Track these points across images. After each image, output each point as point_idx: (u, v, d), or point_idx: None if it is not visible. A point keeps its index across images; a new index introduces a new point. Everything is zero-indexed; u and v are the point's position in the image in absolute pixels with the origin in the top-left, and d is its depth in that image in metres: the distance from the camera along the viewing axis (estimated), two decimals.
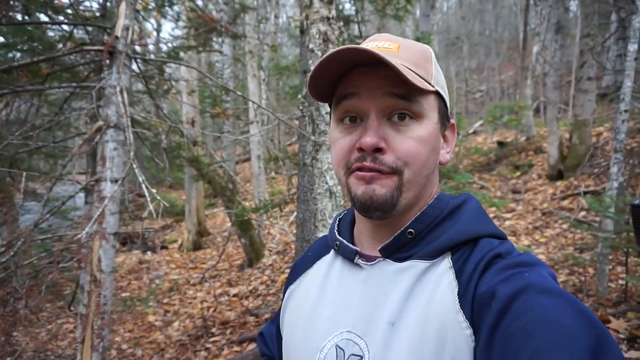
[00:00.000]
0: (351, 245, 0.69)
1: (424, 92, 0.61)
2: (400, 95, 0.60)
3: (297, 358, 0.68)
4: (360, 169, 0.61)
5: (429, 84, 0.63)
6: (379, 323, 0.59)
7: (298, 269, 0.80)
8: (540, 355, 0.44)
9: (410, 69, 0.60)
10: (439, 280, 0.59)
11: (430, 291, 0.58)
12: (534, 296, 0.49)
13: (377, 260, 0.65)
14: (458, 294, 0.56)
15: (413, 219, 0.64)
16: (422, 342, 0.55)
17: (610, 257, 3.86)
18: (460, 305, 0.55)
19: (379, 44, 0.65)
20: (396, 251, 0.64)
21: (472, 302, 0.54)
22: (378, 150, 0.59)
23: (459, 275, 0.58)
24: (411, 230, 0.63)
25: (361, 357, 0.59)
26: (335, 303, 0.67)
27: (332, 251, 0.74)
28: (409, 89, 0.59)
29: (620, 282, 3.79)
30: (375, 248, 0.66)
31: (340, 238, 0.71)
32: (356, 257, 0.67)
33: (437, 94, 0.65)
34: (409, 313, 0.58)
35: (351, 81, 0.62)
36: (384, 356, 0.57)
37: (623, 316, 3.16)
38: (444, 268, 0.60)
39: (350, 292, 0.66)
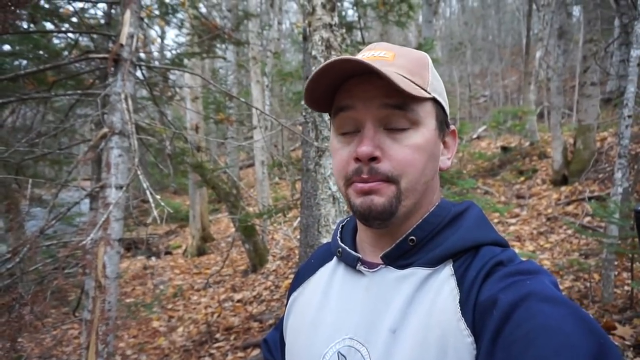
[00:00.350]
0: (353, 252, 0.69)
1: (419, 100, 0.61)
2: (395, 105, 0.60)
3: None
4: (358, 182, 0.61)
5: (425, 90, 0.63)
6: (381, 330, 0.60)
7: (301, 276, 0.81)
8: None
9: (405, 77, 0.60)
10: (441, 287, 0.59)
11: (432, 299, 0.58)
12: (536, 304, 0.49)
13: (378, 268, 0.66)
14: (459, 302, 0.56)
15: (414, 226, 0.64)
16: (424, 350, 0.55)
17: (616, 263, 3.83)
18: (461, 313, 0.55)
19: (375, 52, 0.66)
20: (398, 258, 0.64)
21: (473, 310, 0.54)
22: (374, 159, 0.60)
23: (460, 282, 0.58)
24: (413, 237, 0.64)
25: None
26: (338, 309, 0.67)
27: (334, 258, 0.75)
28: (404, 97, 0.59)
29: (626, 288, 3.75)
30: (377, 255, 0.66)
31: (343, 245, 0.71)
32: (358, 264, 0.68)
33: (435, 100, 0.65)
34: (410, 320, 0.58)
35: (347, 92, 0.62)
36: None
37: (629, 323, 3.13)
38: (446, 275, 0.60)
39: (352, 298, 0.66)
